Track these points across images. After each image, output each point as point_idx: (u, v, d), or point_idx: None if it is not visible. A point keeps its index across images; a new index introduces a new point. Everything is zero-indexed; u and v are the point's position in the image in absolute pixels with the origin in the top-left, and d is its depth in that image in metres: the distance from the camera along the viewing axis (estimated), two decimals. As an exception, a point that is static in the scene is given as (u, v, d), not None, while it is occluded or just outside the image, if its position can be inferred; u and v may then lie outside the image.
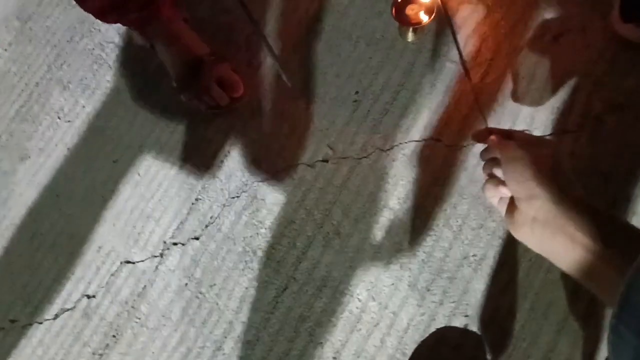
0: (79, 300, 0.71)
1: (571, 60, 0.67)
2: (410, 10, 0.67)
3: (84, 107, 0.82)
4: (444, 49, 0.70)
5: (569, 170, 0.38)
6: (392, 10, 0.67)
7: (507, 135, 0.42)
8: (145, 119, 0.78)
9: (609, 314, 0.58)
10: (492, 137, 0.43)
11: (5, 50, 0.91)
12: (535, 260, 0.61)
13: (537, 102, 0.67)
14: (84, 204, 0.76)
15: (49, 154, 0.80)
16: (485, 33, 0.70)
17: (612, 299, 0.28)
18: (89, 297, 0.71)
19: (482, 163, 0.65)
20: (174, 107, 0.77)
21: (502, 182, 0.40)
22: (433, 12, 0.65)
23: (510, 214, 0.39)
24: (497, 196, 0.42)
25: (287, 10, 0.77)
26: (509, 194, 0.39)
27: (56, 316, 0.71)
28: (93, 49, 0.85)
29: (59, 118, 0.82)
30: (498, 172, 0.41)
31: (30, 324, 0.72)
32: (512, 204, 0.39)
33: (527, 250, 0.62)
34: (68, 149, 0.80)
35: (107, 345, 0.69)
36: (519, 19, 0.69)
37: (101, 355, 0.69)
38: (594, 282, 0.33)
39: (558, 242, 0.34)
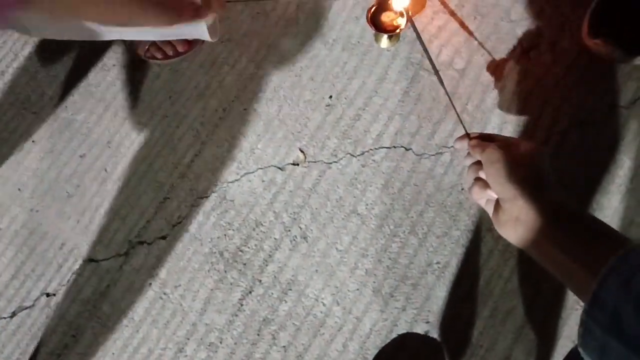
0: (38, 298, 0.70)
1: (540, 74, 0.69)
2: (385, 17, 0.67)
3: (51, 98, 0.79)
4: (418, 57, 0.71)
5: (549, 170, 0.39)
6: (367, 16, 0.67)
7: (488, 139, 0.43)
8: (115, 113, 0.76)
9: (562, 324, 0.60)
10: (473, 141, 0.44)
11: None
12: (496, 269, 0.63)
13: (506, 112, 0.68)
14: (48, 199, 0.74)
15: (12, 145, 0.78)
16: (458, 43, 0.71)
17: (583, 296, 0.30)
18: (48, 295, 0.69)
19: (449, 172, 0.67)
20: (146, 102, 0.76)
21: (487, 185, 0.41)
22: (407, 21, 0.65)
23: (496, 214, 0.40)
24: (484, 198, 0.43)
25: (265, 10, 0.76)
26: (494, 196, 0.41)
27: (13, 314, 0.69)
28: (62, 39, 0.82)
29: (24, 109, 0.79)
30: (483, 175, 0.42)
31: (-14, 322, 0.70)
32: (497, 204, 0.40)
33: (489, 259, 0.64)
34: (33, 141, 0.77)
35: (66, 345, 0.67)
36: (492, 31, 0.70)
37: (59, 355, 0.67)
38: (571, 281, 0.34)
39: (537, 242, 0.36)
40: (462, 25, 0.71)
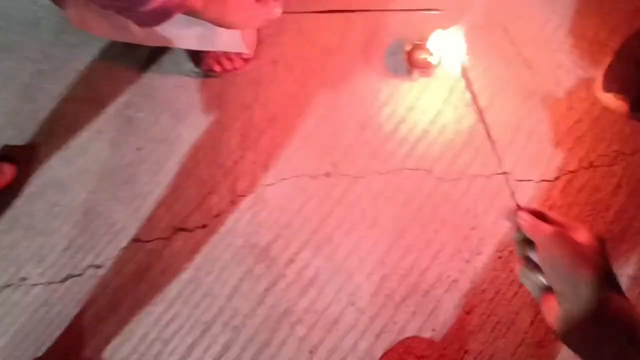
0: (86, 268, 0.78)
1: (555, 119, 0.76)
2: (419, 55, 0.77)
3: (118, 96, 0.90)
4: (445, 94, 0.79)
5: (610, 261, 0.33)
6: (405, 55, 0.76)
7: (540, 217, 0.38)
8: (171, 115, 0.87)
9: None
10: (525, 217, 0.37)
11: (57, 38, 1.00)
12: (500, 288, 0.68)
13: (521, 150, 0.75)
14: (105, 183, 0.84)
15: (81, 134, 0.88)
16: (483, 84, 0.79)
17: None
18: (97, 267, 0.78)
19: (465, 198, 0.73)
20: (199, 108, 0.86)
21: (538, 268, 0.36)
22: (440, 59, 0.74)
23: (548, 307, 0.34)
24: (535, 284, 0.37)
25: (312, 40, 0.86)
26: (545, 282, 0.36)
27: (64, 280, 0.78)
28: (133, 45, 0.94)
29: (95, 103, 0.90)
30: (533, 255, 0.37)
31: (39, 284, 0.78)
32: (551, 296, 0.34)
33: (496, 278, 0.69)
34: (99, 132, 0.88)
35: (106, 313, 0.75)
36: (512, 76, 0.79)
37: (99, 321, 0.75)
38: None
39: (614, 351, 0.30)
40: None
